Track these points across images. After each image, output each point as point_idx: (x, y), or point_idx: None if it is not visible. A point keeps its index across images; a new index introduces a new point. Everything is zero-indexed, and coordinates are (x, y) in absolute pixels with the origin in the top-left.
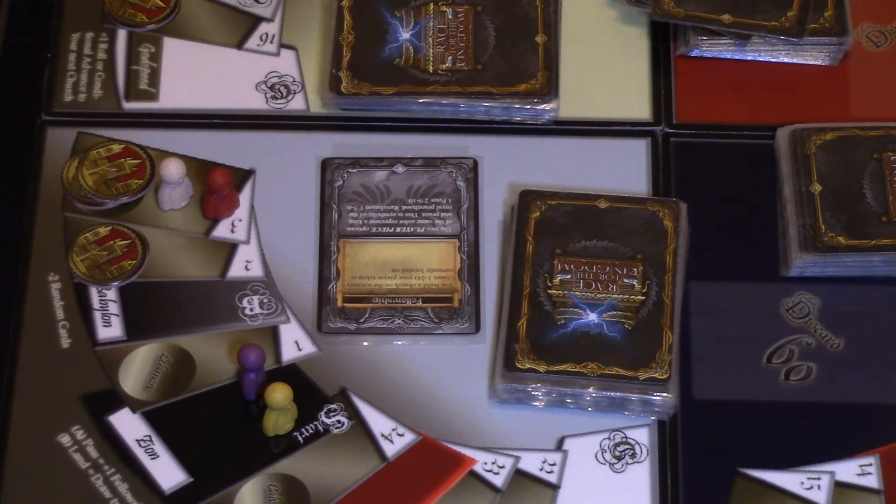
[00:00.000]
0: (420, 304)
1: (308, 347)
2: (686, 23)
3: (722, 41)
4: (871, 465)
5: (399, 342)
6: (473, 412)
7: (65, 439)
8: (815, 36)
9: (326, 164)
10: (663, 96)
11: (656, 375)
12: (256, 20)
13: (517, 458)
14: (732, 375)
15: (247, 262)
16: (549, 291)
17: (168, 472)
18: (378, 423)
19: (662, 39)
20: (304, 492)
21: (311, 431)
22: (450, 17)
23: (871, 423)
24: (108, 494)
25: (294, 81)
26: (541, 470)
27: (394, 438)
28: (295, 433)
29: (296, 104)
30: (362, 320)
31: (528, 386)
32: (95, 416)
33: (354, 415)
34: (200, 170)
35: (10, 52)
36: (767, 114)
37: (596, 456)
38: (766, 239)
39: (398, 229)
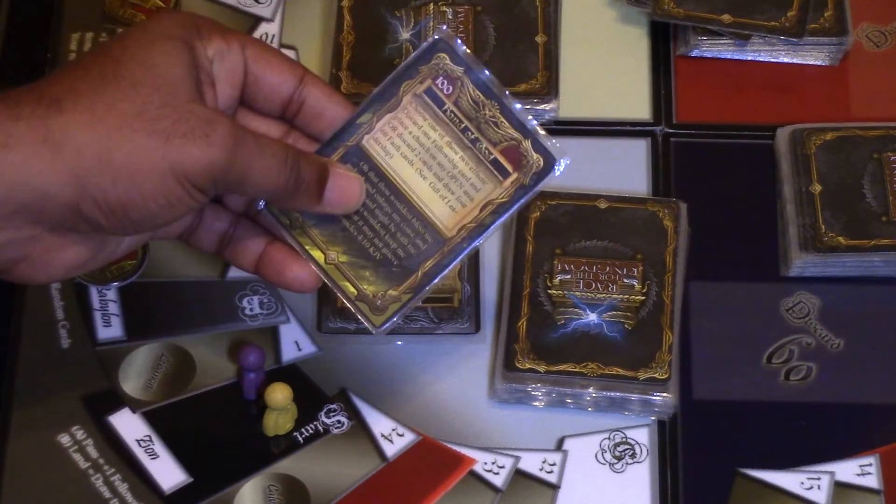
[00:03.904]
0: (420, 303)
1: (308, 347)
2: (686, 23)
3: (722, 41)
4: (871, 465)
5: (399, 342)
6: (473, 412)
7: (65, 439)
8: (815, 36)
9: None
10: (663, 96)
11: (656, 375)
12: (256, 20)
13: (517, 458)
14: (732, 375)
15: None
16: (549, 291)
17: (168, 472)
18: (378, 423)
19: (662, 39)
20: (304, 492)
21: (311, 431)
22: (450, 17)
23: (871, 423)
24: (108, 494)
25: None
26: (541, 470)
27: (394, 438)
28: (295, 433)
29: None
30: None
31: (528, 386)
32: (95, 416)
33: (354, 415)
34: None
35: (10, 52)
36: (767, 114)
37: (596, 456)
38: (766, 239)
39: None
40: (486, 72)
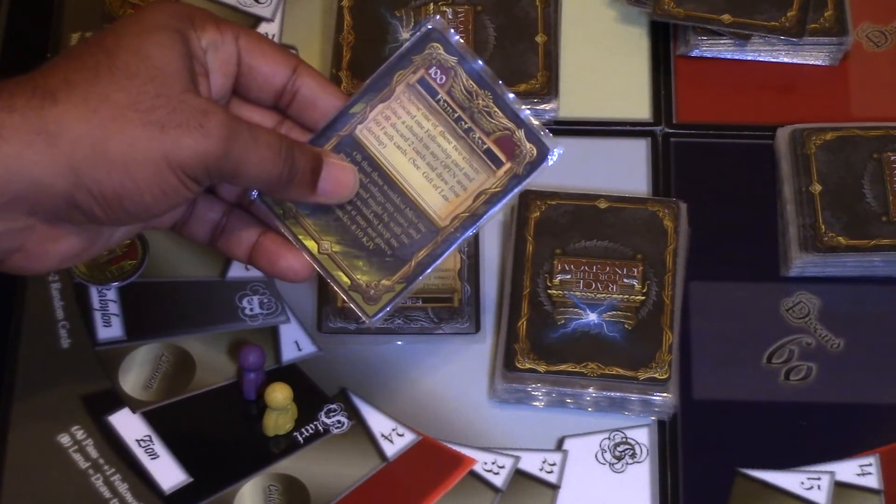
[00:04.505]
0: (420, 304)
1: (308, 347)
2: (686, 23)
3: (722, 41)
4: (871, 465)
5: (399, 342)
6: (473, 412)
7: (65, 439)
8: (815, 36)
9: None
10: (663, 96)
11: (656, 375)
12: (256, 20)
13: (517, 458)
14: (732, 375)
15: None
16: (549, 291)
17: (168, 472)
18: (378, 423)
19: (662, 39)
20: (304, 492)
21: (311, 431)
22: (450, 17)
23: (871, 423)
24: (108, 494)
25: None
26: (541, 470)
27: (394, 438)
28: (295, 433)
29: None
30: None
31: (528, 386)
32: (95, 416)
33: (354, 415)
34: None
35: (10, 52)
36: (767, 114)
37: (596, 456)
38: (766, 239)
39: None
40: (480, 62)
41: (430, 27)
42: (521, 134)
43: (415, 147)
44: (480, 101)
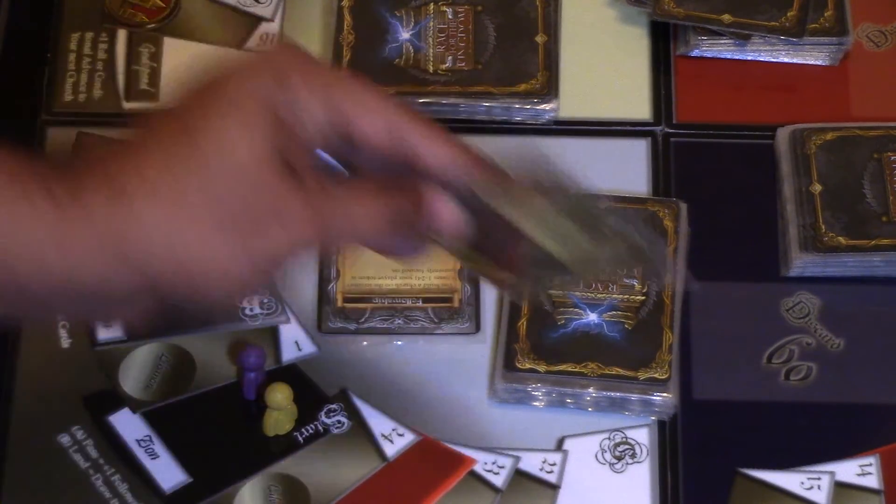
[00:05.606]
0: (420, 303)
1: (308, 347)
2: (686, 23)
3: (722, 41)
4: (871, 465)
5: (399, 342)
6: (473, 412)
7: (65, 439)
8: (815, 36)
9: None
10: (663, 96)
11: (656, 375)
12: (257, 20)
13: (517, 458)
14: (732, 375)
15: None
16: (550, 291)
17: (168, 472)
18: (378, 423)
19: (662, 39)
20: (304, 492)
21: (311, 431)
22: (450, 17)
23: (871, 423)
24: (108, 494)
25: None
26: (541, 470)
27: (394, 438)
28: (295, 433)
29: None
30: (362, 320)
31: (528, 386)
32: (95, 416)
33: (354, 415)
34: None
35: (10, 52)
36: (767, 114)
37: (596, 456)
38: (766, 239)
39: None
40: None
41: None
42: None
43: None
44: None
